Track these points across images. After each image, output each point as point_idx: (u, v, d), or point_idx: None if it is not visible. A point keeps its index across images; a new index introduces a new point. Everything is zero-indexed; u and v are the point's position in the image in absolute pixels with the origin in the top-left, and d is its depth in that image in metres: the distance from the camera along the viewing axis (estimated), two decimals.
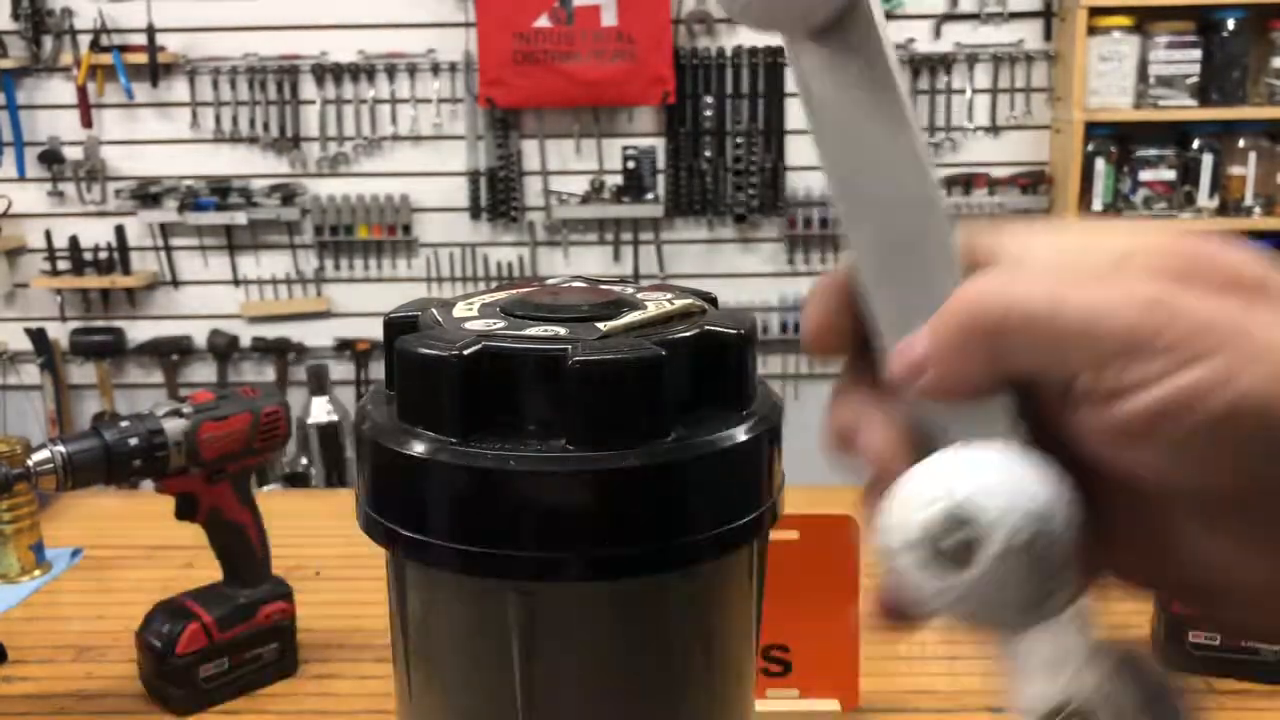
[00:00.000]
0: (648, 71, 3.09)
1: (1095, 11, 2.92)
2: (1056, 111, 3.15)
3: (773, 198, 3.19)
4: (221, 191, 3.15)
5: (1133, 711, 0.31)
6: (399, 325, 0.44)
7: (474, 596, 0.42)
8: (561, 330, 0.42)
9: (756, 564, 0.46)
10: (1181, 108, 2.98)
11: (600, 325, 0.42)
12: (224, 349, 3.25)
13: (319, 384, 2.89)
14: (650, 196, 3.19)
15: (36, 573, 1.17)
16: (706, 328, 0.43)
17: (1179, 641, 0.93)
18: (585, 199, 3.20)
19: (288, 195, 3.17)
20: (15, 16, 3.09)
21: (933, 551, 0.29)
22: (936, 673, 0.95)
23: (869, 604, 0.34)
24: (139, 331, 3.29)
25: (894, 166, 0.33)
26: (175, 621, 0.90)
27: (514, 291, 0.48)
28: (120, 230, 3.19)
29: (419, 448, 0.40)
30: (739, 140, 3.18)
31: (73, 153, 3.17)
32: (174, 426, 0.85)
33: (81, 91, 3.10)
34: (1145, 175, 3.06)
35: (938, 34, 3.16)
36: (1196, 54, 2.96)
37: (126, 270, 3.22)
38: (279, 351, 3.27)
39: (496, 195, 3.20)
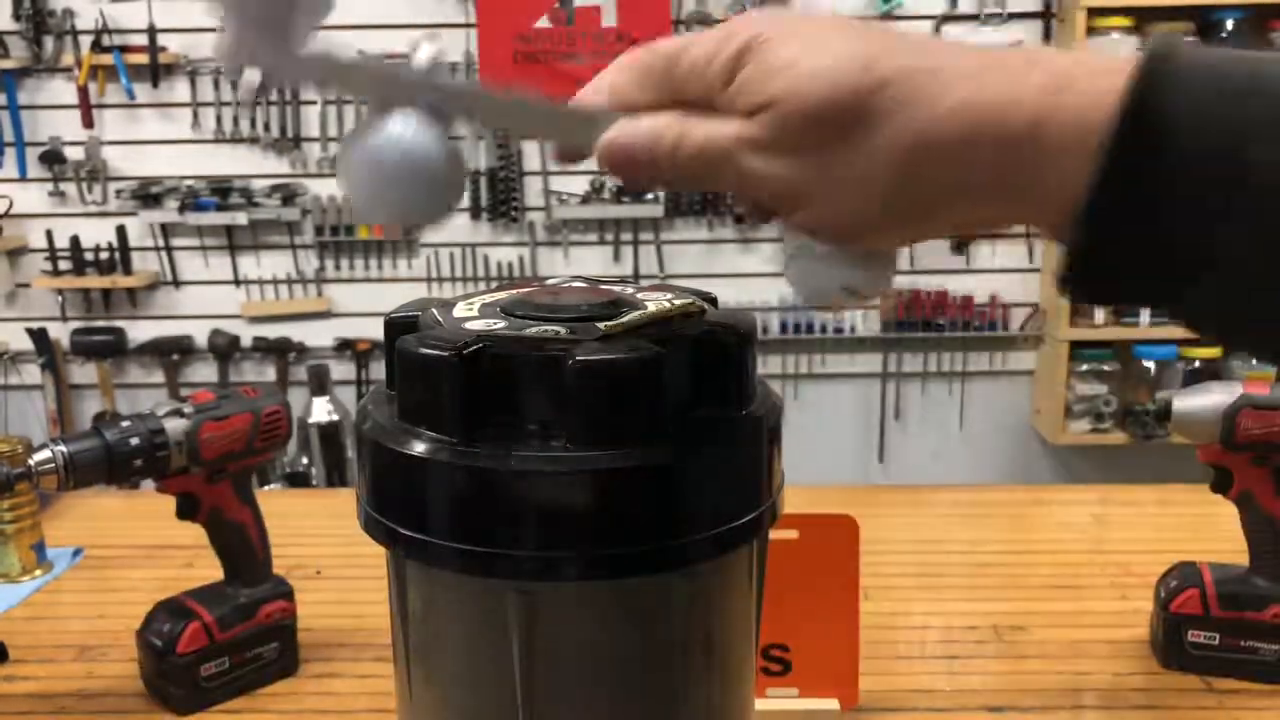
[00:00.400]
0: None
1: (1094, 12, 2.92)
2: None
3: None
4: (222, 192, 3.15)
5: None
6: (400, 325, 0.44)
7: (474, 596, 0.42)
8: (561, 330, 0.42)
9: (756, 564, 0.46)
10: None
11: (600, 325, 0.42)
12: (225, 349, 3.25)
13: (320, 384, 2.88)
14: (650, 197, 3.19)
15: (38, 572, 1.17)
16: (706, 328, 0.43)
17: (1178, 641, 0.93)
18: (585, 199, 3.20)
19: (288, 195, 3.17)
20: (16, 17, 3.09)
21: None
22: (936, 672, 0.95)
23: None
24: (140, 331, 3.29)
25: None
26: (176, 621, 0.90)
27: (514, 292, 0.48)
28: (121, 230, 3.19)
29: (419, 448, 0.40)
30: None
31: (74, 153, 3.17)
32: (175, 426, 0.85)
33: (83, 92, 3.10)
34: None
35: (937, 34, 3.16)
36: None
37: (127, 270, 3.22)
38: (280, 351, 3.27)
39: (497, 195, 3.20)
